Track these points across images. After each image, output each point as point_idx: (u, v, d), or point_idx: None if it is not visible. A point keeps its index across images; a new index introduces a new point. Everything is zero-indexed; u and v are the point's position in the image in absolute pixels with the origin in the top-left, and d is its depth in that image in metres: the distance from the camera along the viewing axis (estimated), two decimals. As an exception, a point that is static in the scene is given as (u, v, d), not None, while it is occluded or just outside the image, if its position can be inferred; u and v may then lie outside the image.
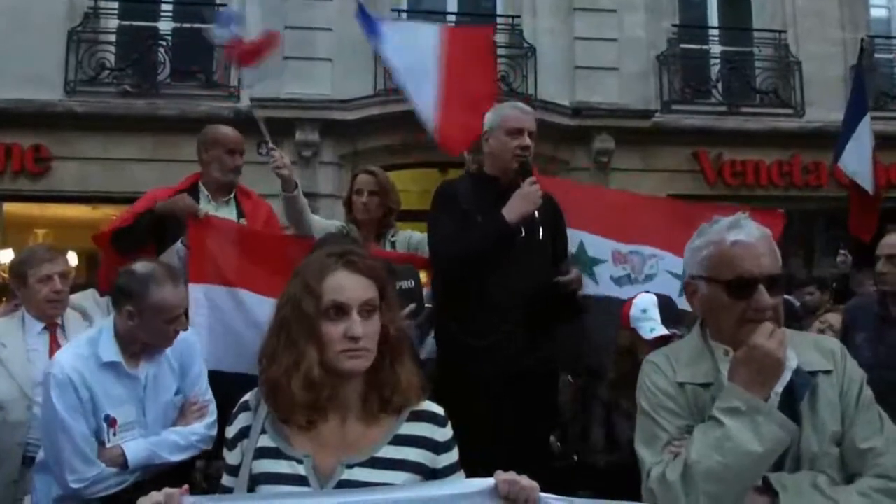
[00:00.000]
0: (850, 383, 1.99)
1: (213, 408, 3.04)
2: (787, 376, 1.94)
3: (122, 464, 2.78)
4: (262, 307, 3.76)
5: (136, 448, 2.81)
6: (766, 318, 1.93)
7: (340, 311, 1.77)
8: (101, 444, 2.78)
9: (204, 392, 3.07)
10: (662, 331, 3.35)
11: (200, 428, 2.99)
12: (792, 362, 1.95)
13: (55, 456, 2.74)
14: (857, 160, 6.71)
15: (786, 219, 4.60)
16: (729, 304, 1.97)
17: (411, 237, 4.31)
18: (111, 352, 2.83)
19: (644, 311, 3.46)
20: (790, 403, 1.92)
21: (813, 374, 1.97)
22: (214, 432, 2.99)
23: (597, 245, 4.42)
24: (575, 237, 4.18)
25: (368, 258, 1.85)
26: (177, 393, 3.01)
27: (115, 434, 2.79)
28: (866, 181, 6.63)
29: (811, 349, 2.03)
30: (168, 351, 2.96)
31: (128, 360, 2.86)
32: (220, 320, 3.79)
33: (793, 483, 1.89)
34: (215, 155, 4.11)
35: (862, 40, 8.45)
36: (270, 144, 4.16)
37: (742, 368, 1.89)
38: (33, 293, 3.56)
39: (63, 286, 3.58)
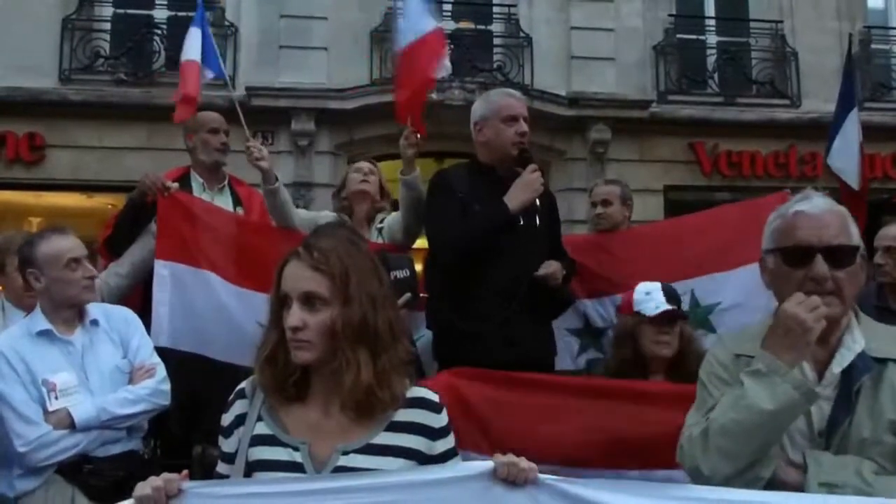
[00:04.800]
0: None
1: (161, 368, 3.08)
2: (848, 358, 1.95)
3: (70, 424, 2.80)
4: (229, 294, 3.76)
5: (82, 407, 2.84)
6: (824, 290, 1.91)
7: (289, 300, 1.78)
8: (47, 412, 2.82)
9: (149, 357, 3.10)
10: (665, 306, 3.21)
11: (150, 382, 3.00)
12: (856, 345, 1.96)
13: (3, 429, 2.79)
14: (843, 156, 6.65)
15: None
16: (787, 274, 1.97)
17: (388, 220, 4.21)
18: (41, 322, 2.97)
19: (647, 293, 3.34)
20: (847, 385, 1.94)
21: (881, 360, 1.95)
22: (166, 387, 3.04)
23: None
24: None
25: (324, 252, 1.79)
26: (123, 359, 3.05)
27: (56, 398, 2.84)
28: (852, 177, 6.57)
29: (889, 338, 2.01)
30: (104, 324, 3.06)
31: (60, 328, 2.98)
32: (184, 300, 3.73)
33: (831, 463, 1.88)
34: (199, 138, 4.21)
35: (850, 35, 8.40)
36: (247, 134, 4.16)
37: (771, 334, 1.91)
38: (12, 281, 3.51)
39: None
